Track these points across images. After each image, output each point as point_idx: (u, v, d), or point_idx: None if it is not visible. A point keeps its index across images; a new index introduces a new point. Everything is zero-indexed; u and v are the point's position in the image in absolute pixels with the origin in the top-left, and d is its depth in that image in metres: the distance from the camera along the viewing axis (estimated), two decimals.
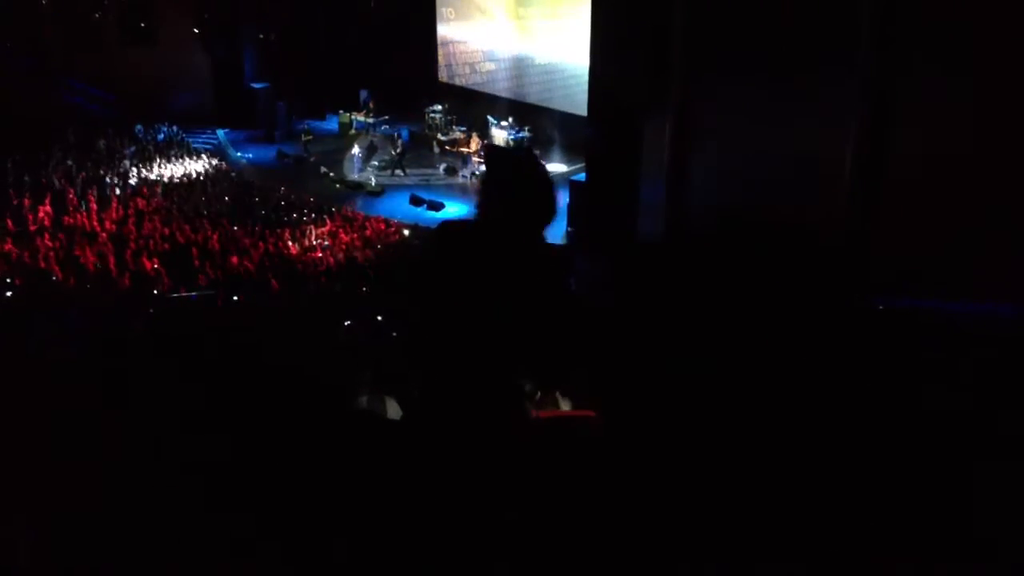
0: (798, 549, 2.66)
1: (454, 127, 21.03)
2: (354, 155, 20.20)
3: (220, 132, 22.79)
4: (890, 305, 7.57)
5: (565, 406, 3.83)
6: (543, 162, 2.90)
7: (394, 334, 7.44)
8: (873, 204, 9.56)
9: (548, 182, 2.78)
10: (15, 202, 14.78)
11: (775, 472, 3.02)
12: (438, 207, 17.79)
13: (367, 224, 16.80)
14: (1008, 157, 8.45)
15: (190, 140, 21.62)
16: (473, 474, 2.68)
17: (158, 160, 19.40)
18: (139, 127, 21.19)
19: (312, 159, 20.97)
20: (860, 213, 9.61)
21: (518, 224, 2.70)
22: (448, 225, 2.86)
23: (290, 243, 15.07)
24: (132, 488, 2.94)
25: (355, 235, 15.96)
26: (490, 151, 3.07)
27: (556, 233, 16.91)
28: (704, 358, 4.61)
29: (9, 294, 10.60)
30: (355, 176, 19.82)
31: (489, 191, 2.76)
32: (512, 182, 2.75)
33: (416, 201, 18.26)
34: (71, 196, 15.57)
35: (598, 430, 3.47)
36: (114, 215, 15.19)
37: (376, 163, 20.23)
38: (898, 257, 9.15)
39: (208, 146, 21.95)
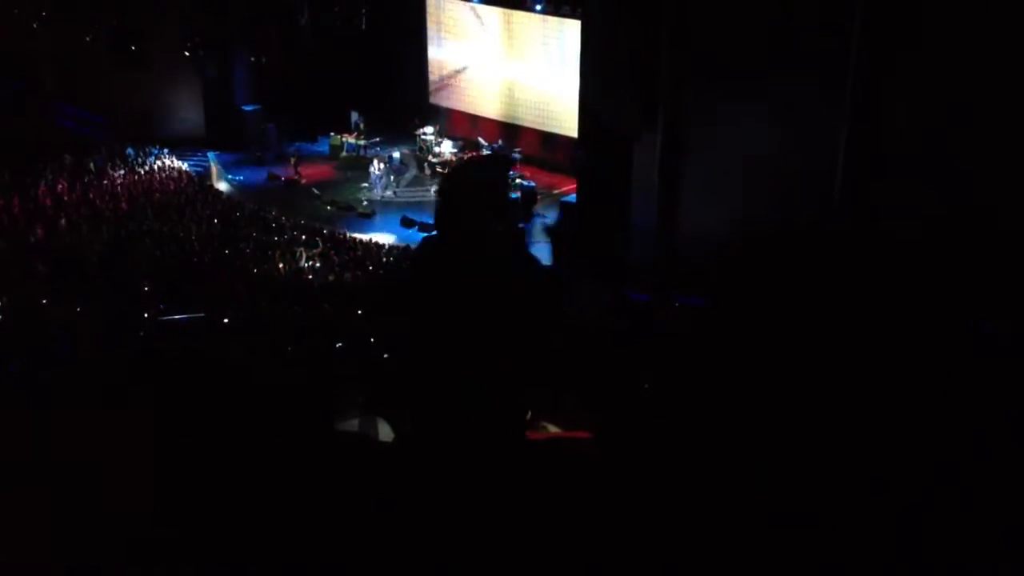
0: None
1: (445, 148, 21.09)
2: (374, 173, 20.19)
3: (211, 154, 22.79)
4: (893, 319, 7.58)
5: (553, 428, 3.82)
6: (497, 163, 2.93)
7: (385, 356, 7.41)
8: (864, 216, 9.62)
9: (484, 182, 2.79)
10: (5, 225, 14.72)
11: (777, 491, 3.00)
12: (429, 228, 17.80)
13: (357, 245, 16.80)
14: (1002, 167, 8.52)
15: (181, 162, 21.60)
16: (469, 494, 2.65)
17: (148, 182, 19.37)
18: (130, 150, 21.17)
19: (303, 181, 20.98)
20: (852, 226, 9.67)
21: (474, 230, 2.70)
22: (427, 243, 2.88)
23: (280, 265, 15.04)
24: (116, 512, 2.91)
25: (346, 256, 15.95)
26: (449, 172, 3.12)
27: (546, 254, 16.93)
28: (703, 374, 4.60)
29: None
30: (379, 193, 19.83)
31: (441, 204, 2.79)
32: (454, 190, 2.78)
33: (407, 223, 18.27)
34: (62, 219, 15.52)
35: (593, 450, 3.45)
36: (104, 237, 15.14)
37: (395, 180, 20.24)
38: (890, 272, 9.19)
39: (199, 168, 21.94)
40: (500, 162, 3.06)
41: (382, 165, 20.36)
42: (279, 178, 21.19)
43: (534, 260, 2.85)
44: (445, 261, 2.72)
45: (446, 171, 3.58)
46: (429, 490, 2.69)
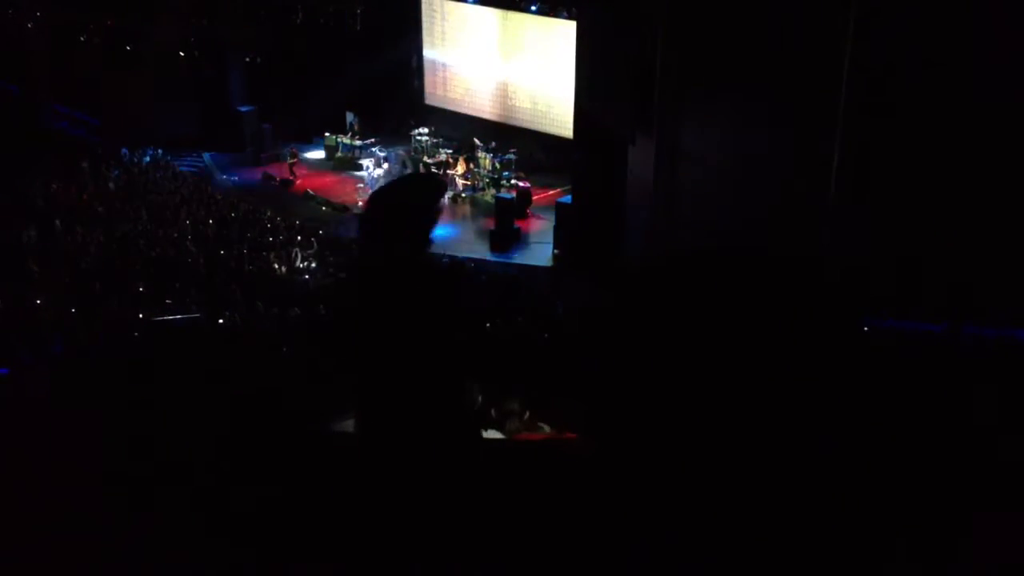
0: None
1: (440, 149, 21.11)
2: (370, 174, 20.14)
3: (206, 155, 22.76)
4: (874, 325, 7.62)
5: (547, 430, 3.85)
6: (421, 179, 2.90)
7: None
8: (856, 223, 9.65)
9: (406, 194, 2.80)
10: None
11: (762, 494, 3.03)
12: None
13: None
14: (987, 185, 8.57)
15: (176, 163, 21.57)
16: (421, 491, 2.66)
17: (144, 183, 19.35)
18: (125, 150, 21.14)
19: (298, 181, 20.97)
20: (845, 233, 9.70)
21: (397, 243, 2.71)
22: (350, 270, 2.91)
23: (276, 265, 15.03)
24: (108, 511, 2.92)
25: (342, 258, 15.93)
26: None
27: (542, 256, 16.97)
28: (690, 378, 4.62)
29: None
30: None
31: (365, 224, 2.80)
32: (381, 207, 2.78)
33: None
34: (56, 220, 15.50)
35: (579, 451, 3.47)
36: (99, 238, 15.12)
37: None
38: (881, 278, 9.23)
39: (194, 169, 21.91)
40: (431, 184, 3.03)
41: (384, 167, 20.34)
42: (274, 179, 21.18)
43: (442, 271, 2.86)
44: (371, 285, 2.73)
45: (376, 192, 3.54)
46: (388, 490, 2.70)
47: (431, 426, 2.66)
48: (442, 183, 3.07)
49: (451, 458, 2.67)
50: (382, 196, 2.84)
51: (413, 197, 2.79)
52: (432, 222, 2.75)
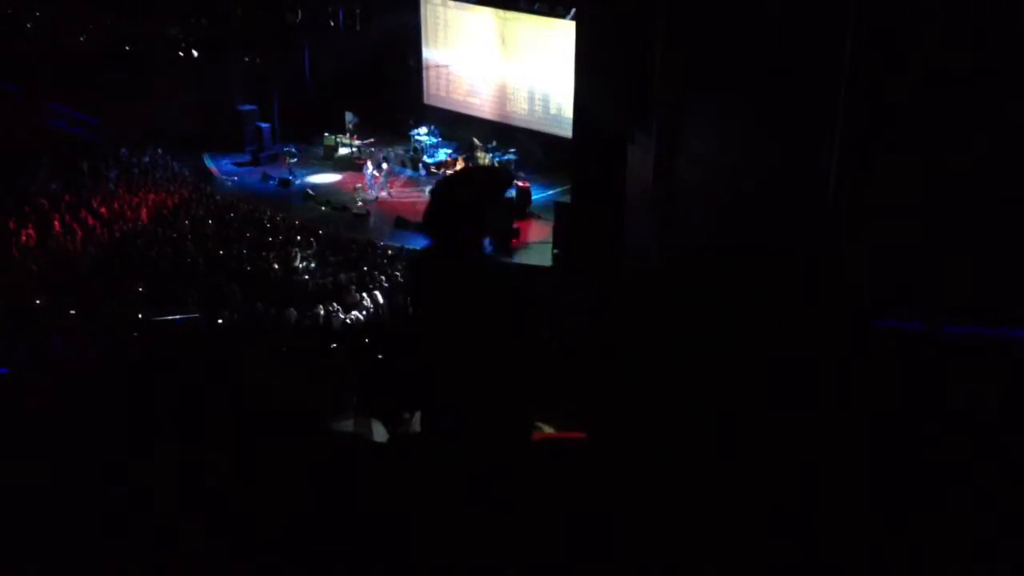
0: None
1: (440, 149, 21.12)
2: (369, 174, 20.13)
3: (205, 155, 22.77)
4: (875, 325, 7.61)
5: (548, 429, 3.84)
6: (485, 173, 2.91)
7: (379, 356, 7.42)
8: (857, 225, 9.64)
9: (472, 189, 2.77)
10: None
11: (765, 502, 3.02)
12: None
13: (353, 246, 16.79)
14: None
15: (175, 163, 21.58)
16: (475, 496, 2.67)
17: (143, 183, 19.36)
18: (124, 150, 21.15)
19: (297, 181, 20.98)
20: (844, 233, 9.70)
21: (461, 238, 2.69)
22: (414, 257, 2.90)
23: (275, 265, 15.04)
24: (106, 521, 2.92)
25: (341, 257, 15.95)
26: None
27: (542, 256, 16.97)
28: (690, 378, 4.62)
29: None
30: (374, 194, 19.78)
31: (431, 215, 2.77)
32: (446, 200, 2.76)
33: (402, 224, 18.25)
34: (55, 220, 15.50)
35: (588, 450, 3.46)
36: (99, 238, 15.13)
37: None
38: (882, 279, 9.22)
39: (193, 168, 21.91)
40: (500, 177, 3.01)
41: (384, 166, 20.33)
42: (273, 178, 21.19)
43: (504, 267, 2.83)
44: (434, 269, 2.72)
45: (446, 173, 3.48)
46: (433, 492, 2.70)
47: (495, 435, 2.65)
48: (509, 176, 3.03)
49: (503, 467, 2.66)
50: (445, 187, 2.81)
51: (476, 190, 2.75)
52: (487, 211, 2.72)
